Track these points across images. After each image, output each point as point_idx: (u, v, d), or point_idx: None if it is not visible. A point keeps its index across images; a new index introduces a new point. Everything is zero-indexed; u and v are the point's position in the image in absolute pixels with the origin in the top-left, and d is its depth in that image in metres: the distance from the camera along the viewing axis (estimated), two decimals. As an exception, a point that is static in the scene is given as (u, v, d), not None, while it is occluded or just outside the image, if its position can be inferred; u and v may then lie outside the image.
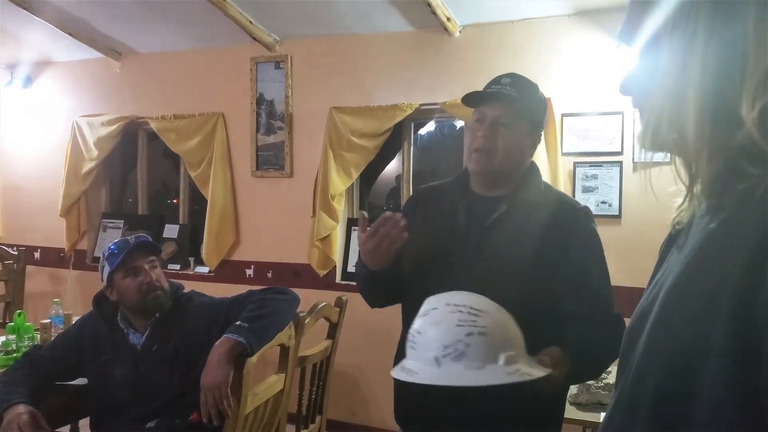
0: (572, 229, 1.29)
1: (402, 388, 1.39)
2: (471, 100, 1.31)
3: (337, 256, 3.37)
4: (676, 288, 0.49)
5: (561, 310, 1.26)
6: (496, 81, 1.30)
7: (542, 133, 1.39)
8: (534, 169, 1.37)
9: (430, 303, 1.04)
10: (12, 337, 2.26)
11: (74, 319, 2.15)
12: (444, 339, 0.96)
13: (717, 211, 0.48)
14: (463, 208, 1.33)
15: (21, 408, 1.61)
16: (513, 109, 1.28)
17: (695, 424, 0.44)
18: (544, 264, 1.26)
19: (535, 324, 1.22)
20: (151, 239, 1.91)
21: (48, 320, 2.42)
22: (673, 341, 0.47)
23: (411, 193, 3.33)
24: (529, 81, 1.33)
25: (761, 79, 0.44)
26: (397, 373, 1.00)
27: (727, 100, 0.45)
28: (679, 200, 0.54)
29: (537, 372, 0.99)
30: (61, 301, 2.66)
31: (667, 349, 0.47)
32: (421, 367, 0.97)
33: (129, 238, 1.86)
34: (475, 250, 1.29)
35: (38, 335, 2.33)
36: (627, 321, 1.28)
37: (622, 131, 2.80)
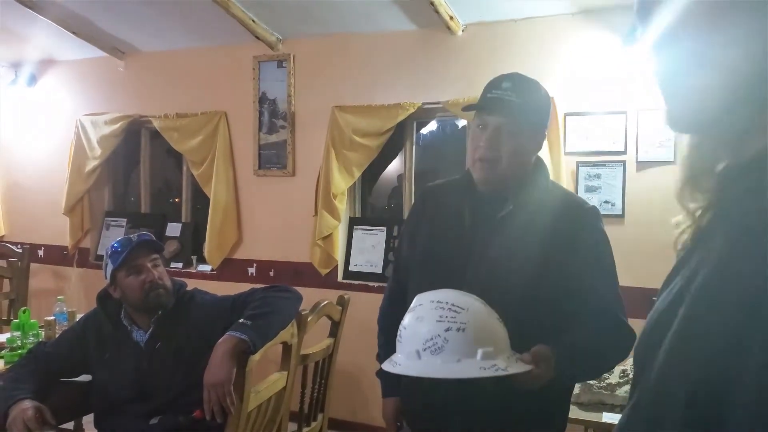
0: (580, 229, 1.28)
1: (408, 387, 1.40)
2: (472, 106, 1.30)
3: (339, 255, 3.37)
4: (707, 289, 0.47)
5: (564, 309, 1.26)
6: (497, 85, 1.27)
7: (546, 131, 1.38)
8: (540, 165, 1.36)
9: (417, 299, 1.11)
10: (17, 333, 2.27)
11: (78, 317, 2.16)
12: (425, 334, 1.04)
13: (744, 207, 0.46)
14: (469, 208, 1.33)
15: (26, 403, 1.61)
16: (515, 116, 1.26)
17: (731, 430, 0.42)
18: (550, 263, 1.25)
19: (540, 322, 1.22)
20: (154, 237, 1.92)
21: (52, 317, 2.43)
22: (706, 345, 0.45)
23: (413, 193, 3.35)
24: (531, 81, 1.30)
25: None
26: (386, 365, 1.09)
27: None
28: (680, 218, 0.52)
29: (513, 368, 1.04)
30: (65, 299, 2.67)
31: (700, 354, 0.45)
32: (404, 359, 1.06)
33: (132, 236, 1.87)
34: (481, 250, 1.28)
35: (43, 332, 2.35)
36: (630, 320, 1.28)
37: (626, 131, 2.79)
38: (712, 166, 0.54)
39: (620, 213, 2.81)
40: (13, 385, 1.70)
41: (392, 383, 1.45)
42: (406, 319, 1.09)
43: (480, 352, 1.01)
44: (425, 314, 1.05)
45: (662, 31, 0.49)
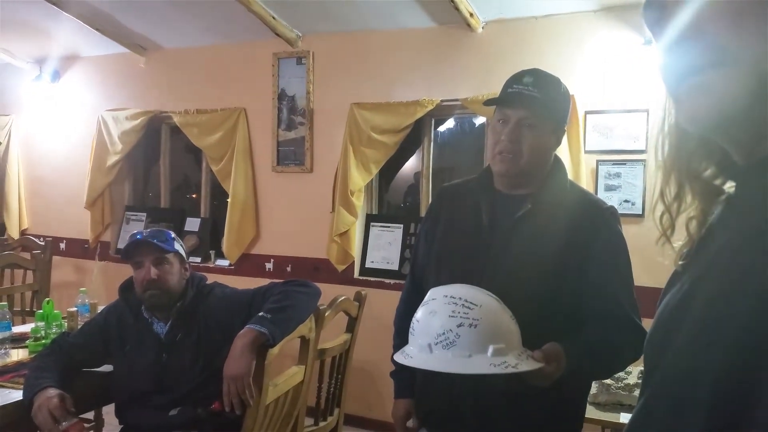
0: (597, 230, 1.28)
1: (423, 388, 1.40)
2: (493, 100, 1.31)
3: (356, 252, 3.38)
4: (726, 281, 0.46)
5: (579, 309, 1.26)
6: (518, 80, 1.28)
7: (566, 127, 1.38)
8: (558, 164, 1.36)
9: (431, 293, 1.12)
10: (41, 324, 2.31)
11: (100, 308, 2.20)
12: (438, 328, 1.05)
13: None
14: (487, 206, 1.33)
15: (51, 392, 1.64)
16: (536, 110, 1.27)
17: (760, 424, 0.41)
18: (567, 263, 1.25)
19: (557, 322, 1.22)
20: (163, 237, 1.87)
21: (74, 309, 2.47)
22: (730, 336, 0.44)
23: (430, 190, 3.35)
24: (552, 77, 1.31)
25: None
26: (397, 356, 1.11)
27: None
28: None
29: (524, 366, 1.04)
30: (87, 291, 2.71)
31: (722, 346, 0.44)
32: (416, 352, 1.07)
33: (145, 231, 1.90)
34: (499, 250, 1.28)
35: (65, 323, 2.39)
36: (649, 320, 1.27)
37: (647, 129, 2.76)
38: (705, 169, 0.55)
39: (640, 212, 2.78)
40: (38, 374, 1.73)
41: (405, 384, 1.46)
42: (420, 312, 1.10)
43: (491, 348, 1.01)
44: (438, 308, 1.06)
45: (682, 26, 0.48)
